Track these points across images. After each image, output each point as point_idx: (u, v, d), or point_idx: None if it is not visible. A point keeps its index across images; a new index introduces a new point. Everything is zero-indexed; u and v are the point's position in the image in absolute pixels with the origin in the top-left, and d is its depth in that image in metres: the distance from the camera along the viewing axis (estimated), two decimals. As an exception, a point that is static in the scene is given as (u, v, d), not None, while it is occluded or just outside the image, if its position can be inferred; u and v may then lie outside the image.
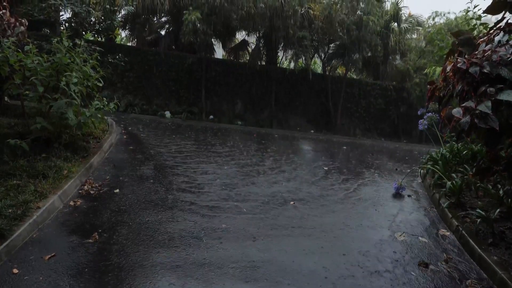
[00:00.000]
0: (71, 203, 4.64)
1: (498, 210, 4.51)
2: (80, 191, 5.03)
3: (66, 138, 6.20)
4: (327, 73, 18.51)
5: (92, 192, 5.07)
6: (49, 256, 3.43)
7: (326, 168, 7.97)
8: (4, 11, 6.60)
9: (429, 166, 6.78)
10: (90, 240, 3.78)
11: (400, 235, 4.61)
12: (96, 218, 4.31)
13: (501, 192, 4.92)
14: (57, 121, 5.89)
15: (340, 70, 20.31)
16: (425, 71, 12.34)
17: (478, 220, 4.51)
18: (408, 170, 7.67)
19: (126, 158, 6.92)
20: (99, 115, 6.51)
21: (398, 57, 19.09)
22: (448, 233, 4.78)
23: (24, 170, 4.86)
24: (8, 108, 7.91)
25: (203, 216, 4.64)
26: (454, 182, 5.52)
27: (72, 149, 6.06)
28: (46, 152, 5.61)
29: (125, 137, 8.72)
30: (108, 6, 13.66)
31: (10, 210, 3.84)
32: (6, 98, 8.50)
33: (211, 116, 16.24)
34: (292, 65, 17.76)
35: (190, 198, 5.23)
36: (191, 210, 4.79)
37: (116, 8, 15.04)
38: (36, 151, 5.51)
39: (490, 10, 4.33)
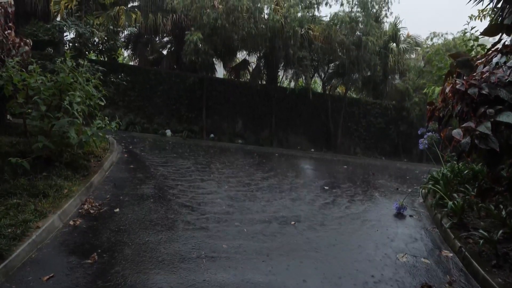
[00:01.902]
0: (71, 222, 4.61)
1: (501, 231, 4.48)
2: (80, 210, 5.01)
3: (67, 157, 6.22)
4: (327, 92, 18.67)
5: (92, 211, 5.04)
6: (48, 277, 3.39)
7: (326, 188, 7.94)
8: (9, 31, 6.74)
9: (430, 185, 6.75)
10: (89, 261, 3.74)
11: (402, 256, 4.56)
12: (95, 238, 4.28)
13: (503, 212, 4.89)
14: (59, 140, 5.92)
15: (340, 90, 20.48)
16: (424, 91, 12.44)
17: (481, 241, 4.47)
18: (409, 190, 7.64)
19: (127, 177, 6.90)
20: (101, 134, 6.54)
21: (397, 76, 19.27)
22: (451, 254, 4.73)
23: (25, 189, 4.85)
24: (10, 127, 7.96)
25: (203, 237, 4.60)
26: (455, 202, 5.49)
27: (73, 167, 6.07)
28: (47, 171, 5.61)
29: (126, 155, 8.73)
30: (111, 27, 13.90)
31: (9, 230, 3.82)
32: (8, 117, 8.56)
33: (212, 135, 16.28)
34: (292, 84, 17.93)
35: (190, 218, 5.19)
36: (191, 230, 4.75)
37: (119, 29, 15.29)
38: (37, 170, 5.52)
39: (487, 32, 4.42)
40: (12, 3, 6.94)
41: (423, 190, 7.50)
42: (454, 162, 6.80)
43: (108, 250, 4.00)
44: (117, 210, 5.19)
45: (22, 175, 5.21)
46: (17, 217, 4.10)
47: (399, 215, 6.31)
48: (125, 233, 4.47)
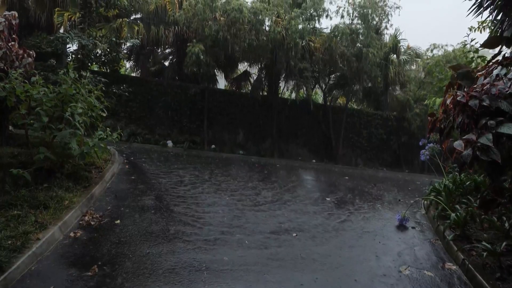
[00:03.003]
0: (71, 234, 4.59)
1: (504, 243, 4.43)
2: (80, 222, 4.99)
3: (68, 168, 6.22)
4: (328, 103, 18.74)
5: (92, 223, 5.03)
6: (47, 289, 3.36)
7: (328, 199, 7.91)
8: (13, 43, 6.81)
9: (432, 197, 6.72)
10: (89, 273, 3.71)
11: (405, 269, 4.52)
12: (96, 250, 4.25)
13: (506, 224, 4.85)
14: (60, 151, 5.93)
15: (341, 101, 20.57)
16: (425, 102, 12.48)
17: (484, 253, 4.42)
18: (412, 201, 7.60)
19: (128, 188, 6.89)
20: (102, 145, 6.55)
21: (398, 87, 19.37)
22: (454, 267, 4.68)
23: (26, 200, 4.84)
24: (12, 138, 7.97)
25: (205, 249, 4.57)
26: (458, 214, 5.45)
27: (74, 179, 6.06)
28: (48, 182, 5.60)
29: (127, 166, 8.73)
30: (114, 39, 14.02)
31: (9, 242, 3.80)
32: (10, 127, 8.58)
33: (213, 146, 16.30)
34: (293, 95, 18.00)
35: (191, 229, 5.17)
36: (192, 242, 4.72)
37: (121, 41, 15.43)
38: (38, 181, 5.52)
39: (487, 45, 4.46)
40: (16, 15, 7.02)
41: (425, 202, 7.46)
42: (456, 173, 6.77)
43: (109, 262, 3.97)
44: (118, 221, 5.16)
45: (23, 186, 5.21)
46: (17, 229, 4.08)
47: (402, 227, 6.26)
48: (126, 245, 4.44)
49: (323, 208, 7.13)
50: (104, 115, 7.01)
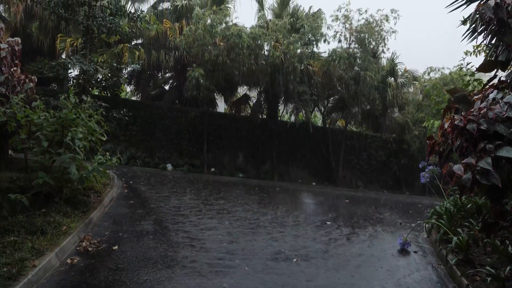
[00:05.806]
0: (68, 260, 4.52)
1: (508, 267, 4.36)
2: (78, 248, 4.91)
3: (67, 193, 6.18)
4: (327, 126, 18.85)
5: (90, 248, 4.95)
6: (42, 319, 3.28)
7: (328, 223, 7.83)
8: (15, 68, 6.90)
9: (433, 220, 6.65)
10: (85, 302, 3.63)
11: (408, 295, 4.42)
12: (92, 277, 4.17)
13: (509, 248, 4.79)
14: (59, 176, 5.90)
15: (340, 123, 20.69)
16: (424, 124, 12.54)
17: (489, 278, 4.35)
18: (413, 225, 7.52)
19: (126, 213, 6.83)
20: (101, 169, 6.54)
21: (396, 110, 19.52)
22: (458, 293, 4.58)
23: (23, 226, 4.78)
24: (12, 162, 7.96)
25: (204, 275, 4.49)
26: (460, 237, 5.39)
27: (72, 203, 6.01)
28: (46, 207, 5.55)
29: (126, 191, 8.68)
30: (115, 64, 14.23)
31: (5, 269, 3.73)
32: (10, 152, 8.58)
33: (213, 169, 16.27)
34: (292, 118, 18.14)
35: (191, 255, 5.09)
36: (191, 268, 4.64)
37: (122, 66, 15.66)
38: (36, 206, 5.47)
39: (482, 69, 4.52)
40: (19, 41, 7.14)
41: (426, 225, 7.38)
42: (457, 195, 6.73)
43: (105, 290, 3.89)
44: (116, 247, 5.09)
45: (21, 212, 5.15)
46: (13, 256, 4.01)
47: (404, 251, 6.18)
48: (124, 272, 4.36)
49: (324, 232, 7.04)
50: (104, 139, 7.02)
